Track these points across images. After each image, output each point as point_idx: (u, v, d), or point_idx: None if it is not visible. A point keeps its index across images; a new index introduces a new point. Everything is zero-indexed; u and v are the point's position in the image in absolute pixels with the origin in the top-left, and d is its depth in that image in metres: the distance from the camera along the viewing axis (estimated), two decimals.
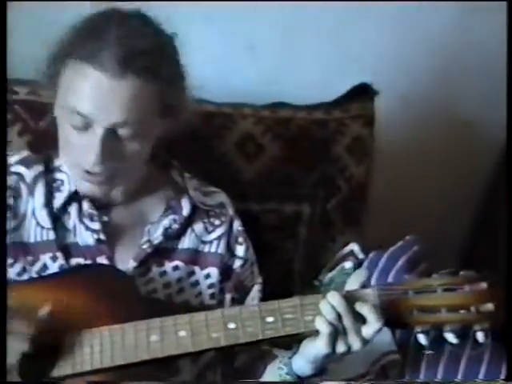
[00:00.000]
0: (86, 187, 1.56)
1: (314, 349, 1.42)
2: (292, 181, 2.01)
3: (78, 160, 1.51)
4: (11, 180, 1.62)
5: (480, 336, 1.37)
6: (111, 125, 1.47)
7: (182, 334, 1.42)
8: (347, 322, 1.38)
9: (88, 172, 1.51)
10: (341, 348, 1.39)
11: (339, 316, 1.38)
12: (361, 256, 1.89)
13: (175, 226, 1.64)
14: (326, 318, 1.38)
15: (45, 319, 1.39)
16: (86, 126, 1.47)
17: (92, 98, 1.45)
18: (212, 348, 1.44)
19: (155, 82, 1.47)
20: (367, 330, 1.39)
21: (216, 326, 1.43)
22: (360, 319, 1.39)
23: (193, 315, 1.44)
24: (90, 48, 1.45)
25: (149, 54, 1.47)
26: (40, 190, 1.61)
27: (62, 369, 1.42)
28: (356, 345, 1.38)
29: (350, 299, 1.41)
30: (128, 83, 1.45)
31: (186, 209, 1.66)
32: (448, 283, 1.41)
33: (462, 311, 1.39)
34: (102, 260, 1.59)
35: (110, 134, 1.48)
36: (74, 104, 1.46)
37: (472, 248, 2.47)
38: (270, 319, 1.41)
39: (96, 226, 1.60)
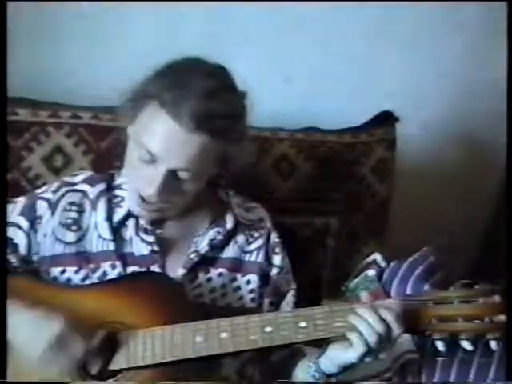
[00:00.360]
0: (138, 212, 1.55)
1: (343, 356, 1.42)
2: (322, 197, 2.01)
3: (138, 187, 1.51)
4: (76, 197, 1.62)
5: (493, 344, 1.38)
6: (174, 167, 1.46)
7: (224, 335, 1.43)
8: (378, 327, 1.38)
9: (143, 200, 1.51)
10: (368, 359, 1.40)
11: (370, 325, 1.38)
12: (383, 265, 1.88)
13: (219, 238, 1.62)
14: (363, 336, 1.39)
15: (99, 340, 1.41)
16: (152, 161, 1.47)
17: (162, 142, 1.44)
18: (250, 349, 1.44)
19: (223, 143, 1.47)
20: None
21: (254, 329, 1.43)
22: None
23: (234, 319, 1.44)
24: (171, 97, 1.43)
25: (223, 118, 1.45)
26: (102, 205, 1.61)
27: (117, 363, 1.43)
28: (382, 354, 1.41)
29: (376, 308, 1.41)
30: (198, 139, 1.44)
31: (229, 223, 1.64)
32: (464, 296, 1.41)
33: (476, 321, 1.39)
34: (155, 268, 1.58)
35: (171, 174, 1.47)
36: (146, 141, 1.46)
37: (482, 258, 2.46)
38: (302, 324, 1.42)
39: (150, 238, 1.59)
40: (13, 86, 1.66)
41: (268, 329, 1.42)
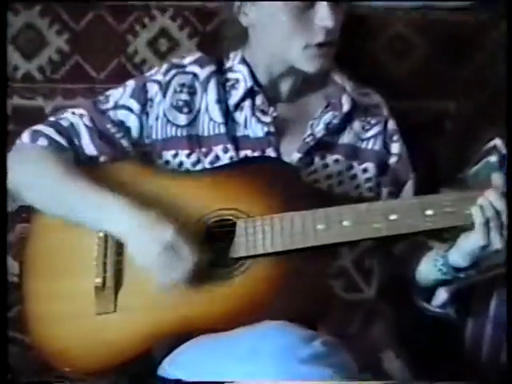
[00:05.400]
0: (315, 63, 1.54)
1: (471, 240, 1.40)
2: (439, 79, 1.90)
3: (304, 41, 1.52)
4: (186, 78, 1.62)
5: None
6: None
7: (346, 223, 1.41)
8: (503, 217, 1.38)
9: (320, 45, 1.52)
10: (496, 240, 1.38)
11: (497, 212, 1.37)
12: (504, 151, 1.75)
13: (335, 122, 1.60)
14: (483, 211, 1.38)
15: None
16: (310, 5, 1.50)
17: None
18: (374, 237, 1.42)
19: None
20: None
21: (378, 217, 1.40)
22: None
23: (356, 206, 1.43)
24: None
25: None
26: (212, 87, 1.61)
27: (237, 251, 1.44)
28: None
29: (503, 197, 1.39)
30: None
31: (345, 106, 1.61)
32: None
33: None
34: (270, 152, 1.58)
35: (331, 6, 1.50)
36: None
37: None
38: (429, 212, 1.39)
39: (267, 119, 1.58)
40: None
41: (393, 216, 1.39)
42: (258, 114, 1.59)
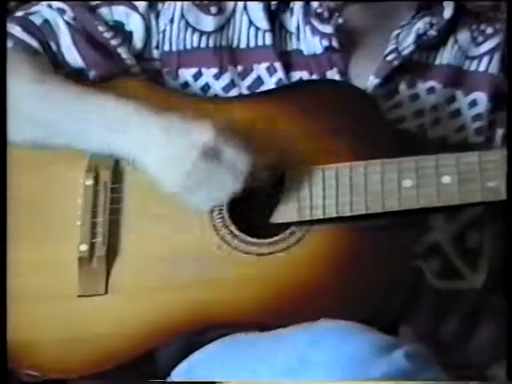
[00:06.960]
0: None
1: None
2: None
3: None
4: None
5: None
6: None
7: (447, 180, 1.28)
8: None
9: None
10: None
11: None
12: None
13: (432, 33, 1.40)
14: None
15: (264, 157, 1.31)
16: None
17: None
18: (486, 202, 1.28)
19: None
20: None
21: (494, 172, 1.27)
22: None
23: (461, 155, 1.28)
24: None
25: None
26: None
27: (285, 214, 1.31)
28: None
29: None
30: None
31: (448, 9, 1.40)
32: None
33: None
34: (333, 75, 1.40)
35: None
36: None
37: None
38: None
39: (328, 28, 1.39)
40: None
41: None
42: (314, 20, 1.41)
